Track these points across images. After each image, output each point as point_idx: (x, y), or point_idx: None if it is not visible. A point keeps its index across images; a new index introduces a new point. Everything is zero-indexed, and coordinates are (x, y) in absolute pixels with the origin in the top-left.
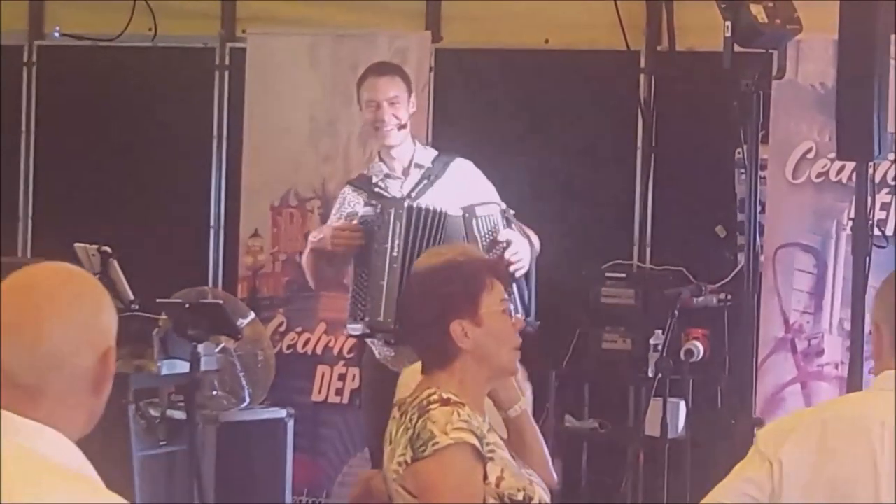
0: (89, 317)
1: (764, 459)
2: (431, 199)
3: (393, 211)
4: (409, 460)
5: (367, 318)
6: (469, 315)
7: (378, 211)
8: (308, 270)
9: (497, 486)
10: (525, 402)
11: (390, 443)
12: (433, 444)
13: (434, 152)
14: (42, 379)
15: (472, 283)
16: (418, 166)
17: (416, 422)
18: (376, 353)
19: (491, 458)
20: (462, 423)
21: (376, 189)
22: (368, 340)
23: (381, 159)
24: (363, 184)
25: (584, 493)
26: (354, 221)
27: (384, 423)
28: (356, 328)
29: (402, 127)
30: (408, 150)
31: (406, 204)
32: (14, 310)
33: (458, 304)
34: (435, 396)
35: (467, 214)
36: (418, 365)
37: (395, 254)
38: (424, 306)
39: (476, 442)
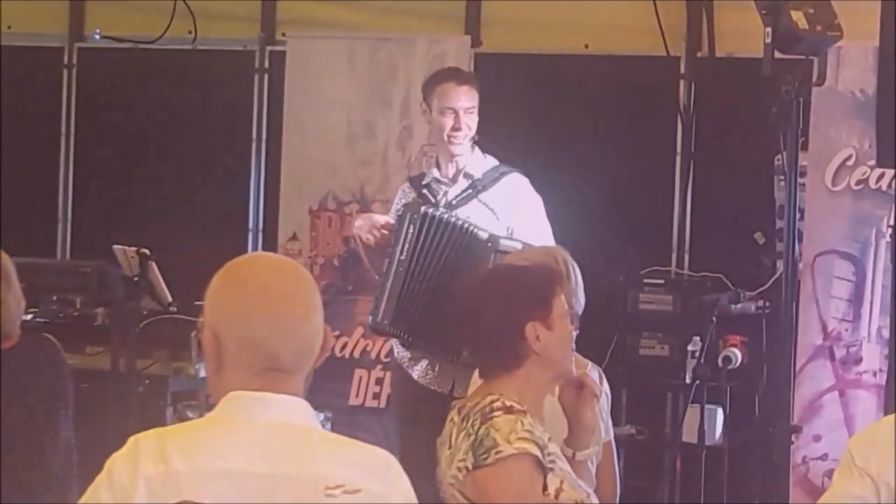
0: (319, 301)
1: (863, 475)
2: (472, 211)
3: (408, 216)
4: (469, 466)
5: (369, 318)
6: (541, 318)
7: (398, 214)
8: (364, 259)
9: (556, 497)
10: (594, 453)
11: (449, 447)
12: (496, 453)
13: (493, 163)
14: (297, 362)
15: (545, 286)
16: (467, 176)
17: (479, 428)
18: (396, 352)
19: (551, 469)
20: (525, 432)
21: (423, 191)
22: (392, 341)
23: (436, 163)
24: (416, 183)
25: (620, 500)
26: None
27: (407, 425)
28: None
29: (472, 138)
30: (465, 158)
31: (422, 210)
32: (275, 301)
33: (534, 306)
34: (498, 403)
35: (490, 244)
36: None
37: (402, 257)
38: (500, 307)
39: (538, 453)
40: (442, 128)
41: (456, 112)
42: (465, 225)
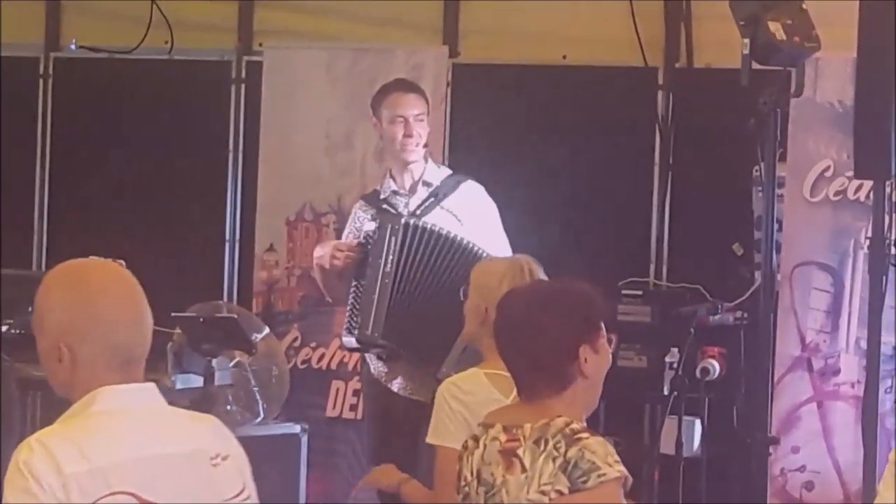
0: None
1: None
2: (437, 218)
3: (389, 227)
4: (564, 490)
5: (356, 332)
6: (591, 340)
7: (377, 226)
8: (321, 285)
9: None
10: None
11: (522, 471)
12: (598, 476)
13: (447, 171)
14: (146, 352)
15: (595, 308)
16: (426, 184)
17: (566, 450)
18: (371, 367)
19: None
20: (616, 454)
21: (383, 206)
22: (366, 355)
23: (391, 175)
24: (372, 200)
25: None
26: (360, 237)
27: (383, 437)
28: (350, 341)
29: (425, 145)
30: (420, 167)
31: (403, 221)
32: (129, 304)
33: (587, 329)
34: (576, 426)
35: (486, 255)
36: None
37: (387, 269)
38: (559, 327)
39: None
40: (394, 137)
41: (406, 119)
42: (452, 234)
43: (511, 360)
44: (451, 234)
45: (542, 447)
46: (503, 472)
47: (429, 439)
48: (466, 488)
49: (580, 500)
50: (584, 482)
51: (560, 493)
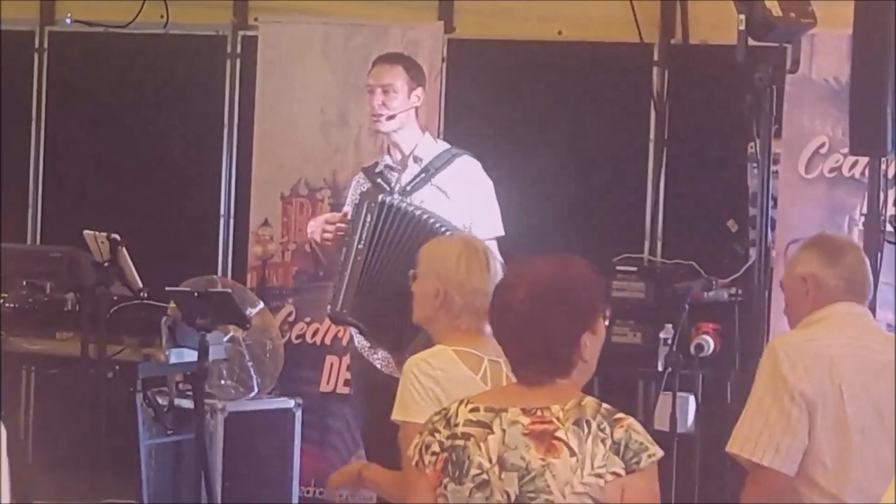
0: None
1: None
2: (426, 195)
3: (366, 204)
4: (621, 472)
5: (328, 307)
6: (591, 326)
7: (357, 202)
8: (320, 257)
9: None
10: None
11: (572, 454)
12: (649, 456)
13: (444, 146)
14: None
15: (597, 293)
16: (417, 159)
17: (612, 431)
18: (356, 341)
19: None
20: None
21: (378, 179)
22: (351, 330)
23: (388, 150)
24: (369, 172)
25: None
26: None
27: (371, 414)
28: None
29: (390, 117)
30: (410, 141)
31: (379, 199)
32: None
33: (588, 316)
34: (608, 405)
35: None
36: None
37: (360, 246)
38: (563, 319)
39: None
40: (369, 107)
41: (372, 89)
42: (425, 216)
43: (513, 350)
44: (425, 217)
45: (585, 429)
46: (542, 456)
47: (395, 416)
48: (483, 475)
49: (634, 482)
50: (637, 462)
51: (616, 474)
